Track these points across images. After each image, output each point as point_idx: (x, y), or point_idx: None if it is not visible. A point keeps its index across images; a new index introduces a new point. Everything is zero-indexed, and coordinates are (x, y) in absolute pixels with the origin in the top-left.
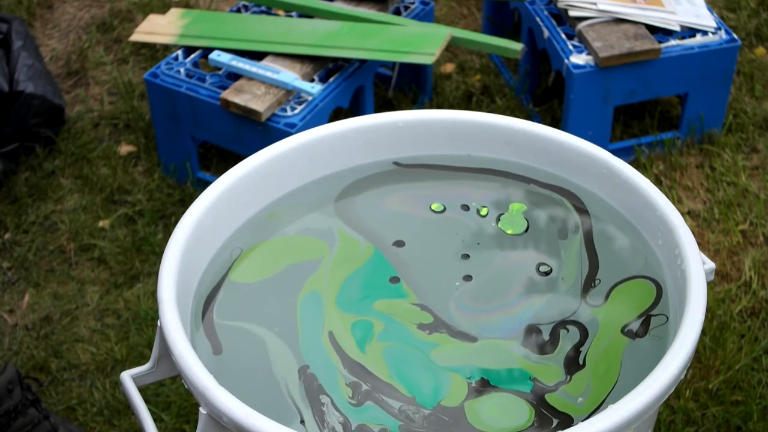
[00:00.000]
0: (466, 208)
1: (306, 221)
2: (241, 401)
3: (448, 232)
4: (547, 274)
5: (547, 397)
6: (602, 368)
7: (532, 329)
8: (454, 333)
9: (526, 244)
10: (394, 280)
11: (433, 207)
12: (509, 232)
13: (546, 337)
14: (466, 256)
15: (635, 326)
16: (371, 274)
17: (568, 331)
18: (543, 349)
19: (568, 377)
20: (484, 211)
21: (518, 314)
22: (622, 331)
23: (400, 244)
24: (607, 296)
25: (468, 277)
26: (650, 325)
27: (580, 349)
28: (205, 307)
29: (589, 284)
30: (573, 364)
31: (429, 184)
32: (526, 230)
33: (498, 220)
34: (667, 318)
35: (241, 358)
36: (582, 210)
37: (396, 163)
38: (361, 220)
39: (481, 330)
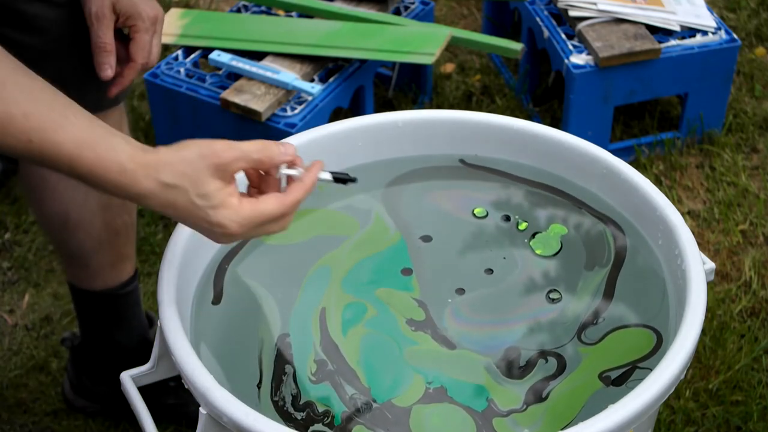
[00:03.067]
0: (507, 218)
1: (352, 199)
2: (212, 352)
3: (479, 239)
4: (554, 301)
5: (495, 420)
6: (562, 406)
7: (513, 351)
8: (437, 336)
9: (548, 267)
10: (407, 272)
11: (476, 211)
12: (538, 252)
13: (522, 362)
14: (488, 270)
15: (616, 374)
16: (386, 262)
17: (546, 361)
18: (513, 373)
19: (524, 406)
20: (522, 226)
21: (506, 333)
22: (600, 375)
23: (427, 239)
24: (603, 337)
25: (477, 287)
26: (631, 377)
27: (550, 382)
28: (225, 259)
29: (590, 321)
30: (535, 395)
31: (482, 187)
32: (556, 254)
33: (533, 237)
34: None
35: (234, 312)
36: (621, 245)
37: (462, 161)
38: (400, 208)
39: (462, 339)
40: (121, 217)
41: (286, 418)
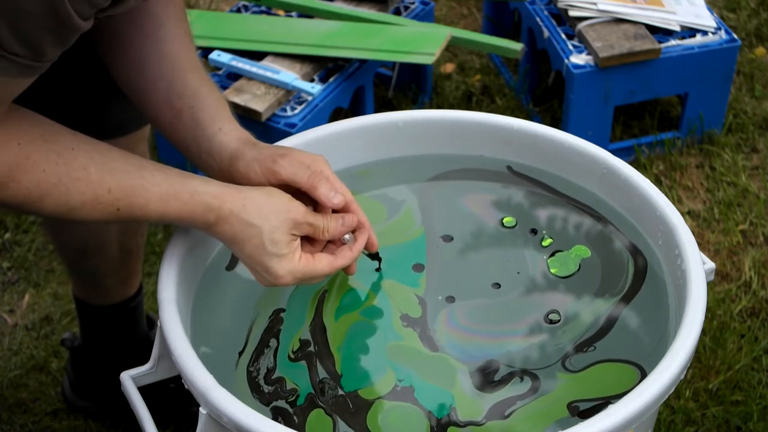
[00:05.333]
0: (534, 232)
1: (389, 189)
2: (209, 313)
3: (499, 249)
4: (552, 322)
5: (450, 429)
6: (520, 427)
7: (492, 364)
8: (424, 336)
9: (557, 287)
10: (418, 268)
11: (505, 220)
12: (553, 271)
13: (497, 377)
14: (496, 284)
15: (585, 406)
16: (402, 254)
17: (521, 380)
18: (484, 386)
19: (484, 421)
20: (546, 242)
21: (491, 346)
22: (569, 404)
23: (448, 239)
24: (586, 367)
25: (480, 295)
26: (599, 412)
27: (517, 402)
28: None
29: (581, 348)
30: (498, 412)
31: (519, 197)
32: (571, 275)
33: (552, 255)
34: None
35: (241, 281)
36: (640, 278)
37: (509, 168)
38: (432, 205)
39: (447, 344)
40: (135, 239)
41: (254, 389)
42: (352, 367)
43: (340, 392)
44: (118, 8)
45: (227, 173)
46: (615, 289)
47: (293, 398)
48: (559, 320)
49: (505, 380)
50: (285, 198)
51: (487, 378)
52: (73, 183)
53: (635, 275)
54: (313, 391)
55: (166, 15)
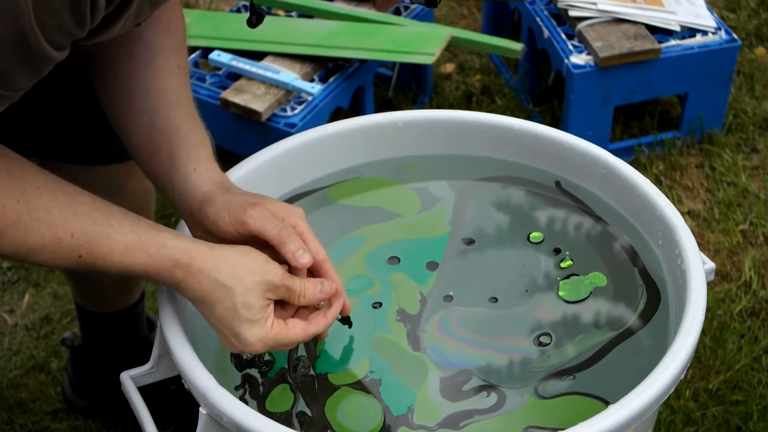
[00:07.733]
0: (557, 252)
1: (432, 183)
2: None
3: (516, 262)
4: (541, 344)
5: (401, 429)
6: None
7: (465, 374)
8: (412, 334)
9: (558, 311)
10: (432, 266)
11: (532, 235)
12: (561, 293)
13: (465, 387)
14: (498, 297)
15: None
16: (420, 250)
17: (488, 395)
18: (451, 394)
19: (436, 427)
20: (565, 264)
21: (472, 356)
22: (525, 428)
23: (470, 242)
24: (557, 395)
25: (480, 304)
26: None
27: (475, 416)
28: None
29: (560, 375)
30: (453, 422)
31: (556, 215)
32: (578, 302)
33: (566, 278)
34: None
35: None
36: (645, 318)
37: (557, 184)
38: (467, 205)
39: (429, 346)
40: None
41: (234, 354)
42: (331, 351)
43: (311, 372)
44: (97, 39)
45: (197, 217)
46: (617, 323)
47: (266, 369)
48: (549, 344)
49: (472, 392)
50: (261, 258)
51: (456, 386)
52: (33, 223)
53: (643, 313)
54: (284, 367)
55: (160, 46)
